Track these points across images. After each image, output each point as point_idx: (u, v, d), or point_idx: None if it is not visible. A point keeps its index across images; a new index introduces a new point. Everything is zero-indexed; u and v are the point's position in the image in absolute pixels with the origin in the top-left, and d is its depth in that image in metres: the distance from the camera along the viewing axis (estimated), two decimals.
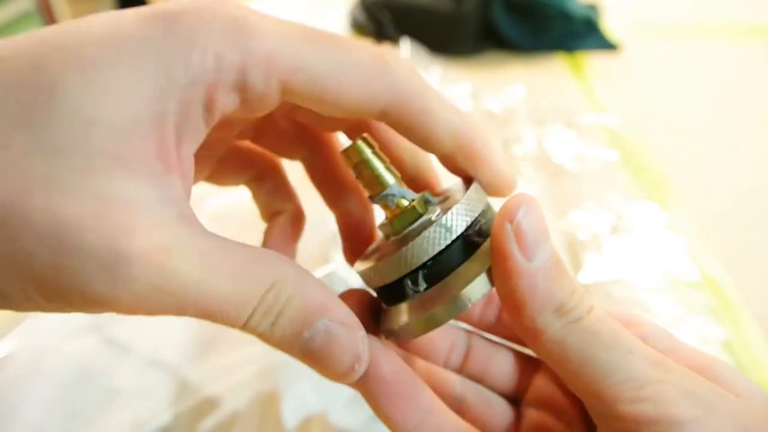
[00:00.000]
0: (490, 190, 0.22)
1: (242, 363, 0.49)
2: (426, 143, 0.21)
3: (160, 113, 0.16)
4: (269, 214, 0.28)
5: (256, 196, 0.29)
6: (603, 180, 0.70)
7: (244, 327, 0.18)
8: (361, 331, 0.20)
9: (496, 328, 0.27)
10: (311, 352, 0.19)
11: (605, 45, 1.05)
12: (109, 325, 0.50)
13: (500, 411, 0.26)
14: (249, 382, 0.48)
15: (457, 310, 0.20)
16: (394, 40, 1.03)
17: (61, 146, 0.15)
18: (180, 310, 0.17)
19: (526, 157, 0.73)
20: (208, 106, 0.17)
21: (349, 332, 0.19)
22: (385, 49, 0.20)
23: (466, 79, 0.90)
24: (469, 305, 0.20)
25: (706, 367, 0.21)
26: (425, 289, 0.20)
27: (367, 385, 0.21)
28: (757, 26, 1.16)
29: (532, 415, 0.25)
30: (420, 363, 0.26)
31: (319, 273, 0.50)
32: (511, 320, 0.20)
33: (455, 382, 0.26)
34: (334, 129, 0.26)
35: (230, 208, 0.66)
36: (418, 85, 0.20)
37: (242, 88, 0.18)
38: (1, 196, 0.15)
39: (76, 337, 0.49)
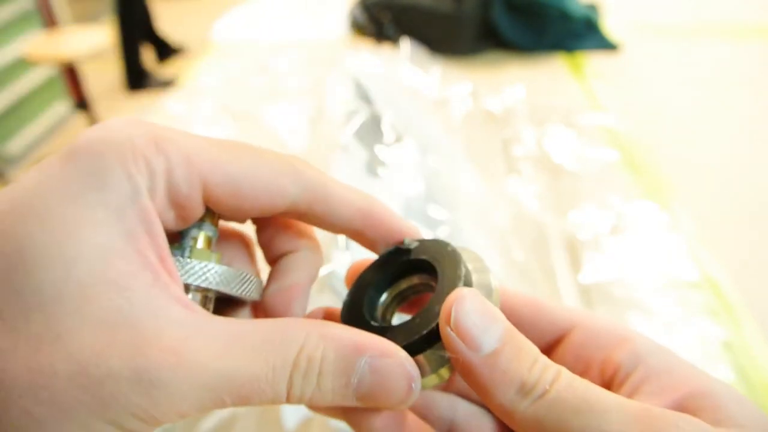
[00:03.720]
0: (397, 239, 0.24)
1: None
2: (336, 223, 0.23)
3: (128, 231, 0.18)
4: (272, 258, 0.26)
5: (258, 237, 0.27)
6: (603, 180, 0.70)
7: (289, 399, 0.19)
8: (401, 352, 0.20)
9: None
10: (367, 394, 0.19)
11: (605, 45, 1.05)
12: None
13: None
14: None
15: (423, 388, 0.21)
16: (394, 40, 1.04)
17: (49, 297, 0.16)
18: (219, 400, 0.18)
19: (526, 157, 0.73)
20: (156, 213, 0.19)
21: (391, 358, 0.19)
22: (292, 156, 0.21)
23: (466, 79, 0.90)
24: (432, 387, 0.21)
25: (706, 392, 0.19)
26: None
27: None
28: (757, 26, 1.16)
29: None
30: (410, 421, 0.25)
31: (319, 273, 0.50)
32: (487, 405, 0.20)
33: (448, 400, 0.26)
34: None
35: None
36: (321, 177, 0.22)
37: (171, 192, 0.19)
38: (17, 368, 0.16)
39: None
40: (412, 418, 0.24)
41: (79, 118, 2.58)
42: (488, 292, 0.22)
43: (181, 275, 0.20)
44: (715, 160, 0.76)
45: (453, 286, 0.21)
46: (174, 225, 0.20)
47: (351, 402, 0.19)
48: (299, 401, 0.19)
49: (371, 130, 0.65)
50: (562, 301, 0.54)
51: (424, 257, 0.23)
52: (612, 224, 0.61)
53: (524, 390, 0.18)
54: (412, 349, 0.21)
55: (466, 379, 0.19)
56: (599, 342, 0.22)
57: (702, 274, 0.56)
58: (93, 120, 2.38)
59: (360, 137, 0.63)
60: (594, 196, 0.65)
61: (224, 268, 0.21)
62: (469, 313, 0.19)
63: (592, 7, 1.09)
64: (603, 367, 0.22)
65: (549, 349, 0.24)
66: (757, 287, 0.56)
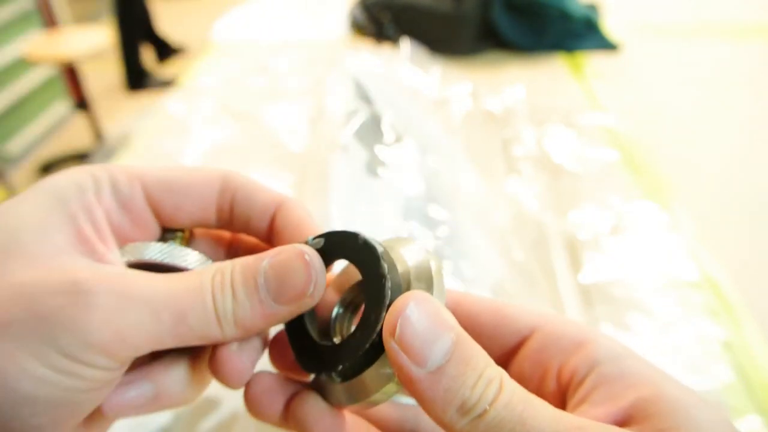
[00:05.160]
0: (310, 233, 0.25)
1: None
2: (255, 218, 0.25)
3: (70, 215, 0.21)
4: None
5: None
6: (603, 180, 0.70)
7: (218, 319, 0.21)
8: (298, 245, 0.22)
9: None
10: (276, 290, 0.21)
11: (605, 45, 1.05)
12: None
13: None
14: None
15: (374, 404, 0.21)
16: (394, 40, 1.04)
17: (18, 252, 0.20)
18: (156, 318, 0.19)
19: (526, 157, 0.73)
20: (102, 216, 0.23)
21: (286, 252, 0.21)
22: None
23: (466, 79, 0.90)
24: (384, 401, 0.21)
25: (656, 398, 0.19)
26: (341, 381, 0.22)
27: None
28: (757, 26, 1.16)
29: None
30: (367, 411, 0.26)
31: None
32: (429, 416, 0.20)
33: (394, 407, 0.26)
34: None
35: None
36: (245, 177, 0.25)
37: (116, 193, 0.23)
38: None
39: None
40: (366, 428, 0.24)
41: (79, 118, 2.58)
42: (428, 284, 0.21)
43: (121, 255, 0.23)
44: (716, 160, 0.76)
45: (379, 289, 0.20)
46: (130, 230, 0.24)
47: (269, 306, 0.21)
48: (227, 322, 0.21)
49: (371, 130, 0.65)
50: (562, 301, 0.54)
51: (340, 258, 0.23)
52: (612, 224, 0.61)
53: (464, 409, 0.18)
54: (354, 370, 0.21)
55: (408, 390, 0.19)
56: (558, 347, 0.22)
57: (702, 274, 0.56)
58: (93, 120, 2.37)
59: (360, 137, 0.63)
60: (594, 196, 0.65)
61: (164, 244, 0.23)
62: (416, 325, 0.18)
63: (592, 7, 1.09)
64: (559, 373, 0.22)
65: (510, 354, 0.24)
66: (757, 287, 0.56)
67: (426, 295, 0.19)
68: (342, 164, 0.59)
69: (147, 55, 2.95)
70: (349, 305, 0.25)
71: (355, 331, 0.21)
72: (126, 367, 0.21)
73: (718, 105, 0.89)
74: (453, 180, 0.64)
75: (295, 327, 0.23)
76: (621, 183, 0.70)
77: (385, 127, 0.66)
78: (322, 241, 0.23)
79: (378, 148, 0.63)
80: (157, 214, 0.24)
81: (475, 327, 0.24)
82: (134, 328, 0.19)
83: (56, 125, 2.62)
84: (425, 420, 0.25)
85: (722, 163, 0.75)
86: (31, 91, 2.45)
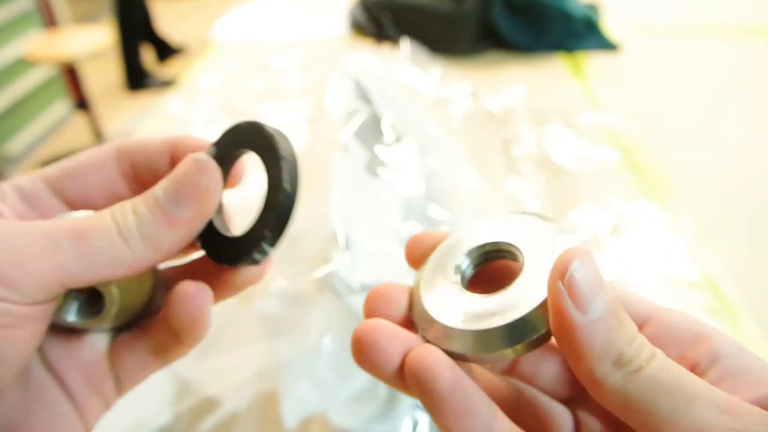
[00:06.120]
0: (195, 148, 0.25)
1: (242, 363, 0.49)
2: (157, 166, 0.25)
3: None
4: None
5: None
6: (603, 180, 0.70)
7: (122, 233, 0.21)
8: (198, 154, 0.22)
9: None
10: (173, 193, 0.22)
11: (605, 45, 1.05)
12: None
13: (557, 416, 0.25)
14: (249, 382, 0.48)
15: (501, 359, 0.21)
16: (394, 40, 1.04)
17: None
18: (53, 241, 0.20)
19: (526, 157, 0.73)
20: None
21: (186, 160, 0.22)
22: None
23: (466, 79, 0.90)
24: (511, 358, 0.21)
25: None
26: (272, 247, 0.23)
27: (427, 398, 0.20)
28: (756, 26, 1.16)
29: (589, 422, 0.24)
30: (471, 367, 0.25)
31: (319, 273, 0.50)
32: (573, 369, 0.20)
33: (508, 386, 0.25)
34: None
35: (230, 209, 0.66)
36: (134, 139, 0.25)
37: (19, 192, 0.24)
38: None
39: None
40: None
41: (79, 118, 2.58)
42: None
43: None
44: (715, 159, 0.76)
45: (276, 162, 0.22)
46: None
47: (171, 210, 0.21)
48: (133, 237, 0.21)
49: (371, 130, 0.65)
50: None
51: (241, 148, 0.24)
52: (612, 224, 0.61)
53: (621, 362, 0.18)
54: (281, 229, 0.23)
55: (560, 341, 0.19)
56: (676, 337, 0.22)
57: (702, 274, 0.56)
58: (93, 120, 2.37)
59: (360, 137, 0.63)
60: (594, 196, 0.65)
61: None
62: (584, 273, 0.19)
63: (592, 7, 1.09)
64: (678, 363, 0.22)
65: None
66: (757, 287, 0.56)
67: (591, 252, 0.20)
68: (342, 164, 0.59)
69: (147, 55, 2.95)
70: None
71: (263, 209, 0.23)
72: (44, 304, 0.20)
73: (718, 105, 0.89)
74: (453, 180, 0.64)
75: (210, 241, 0.24)
76: (621, 183, 0.70)
77: (385, 127, 0.66)
78: (214, 149, 0.24)
79: (378, 148, 0.63)
80: (68, 202, 0.24)
81: None
82: (32, 255, 0.19)
83: (56, 125, 2.62)
84: (525, 395, 0.25)
85: (722, 163, 0.75)
86: (31, 91, 2.45)
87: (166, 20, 3.33)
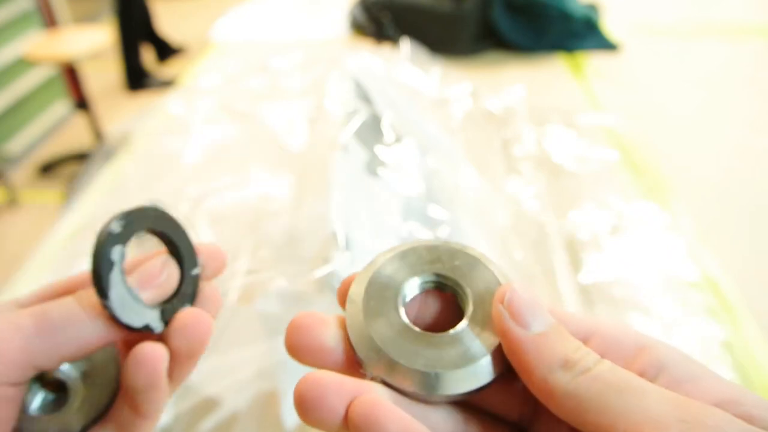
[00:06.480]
0: None
1: (242, 363, 0.49)
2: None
3: None
4: None
5: None
6: (603, 180, 0.70)
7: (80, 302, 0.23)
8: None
9: None
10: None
11: (605, 45, 1.05)
12: None
13: None
14: (249, 382, 0.48)
15: (450, 399, 0.21)
16: (394, 40, 1.04)
17: None
18: (15, 324, 0.21)
19: (526, 157, 0.73)
20: None
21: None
22: None
23: (466, 79, 0.90)
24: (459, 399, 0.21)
25: (734, 400, 0.19)
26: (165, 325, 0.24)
27: None
28: (756, 26, 1.16)
29: None
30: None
31: (319, 273, 0.50)
32: (528, 386, 0.20)
33: (453, 421, 0.23)
34: None
35: (230, 209, 0.66)
36: None
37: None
38: None
39: None
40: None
41: (79, 118, 2.58)
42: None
43: None
44: (715, 159, 0.76)
45: (188, 246, 0.25)
46: None
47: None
48: (93, 310, 0.22)
49: (371, 130, 0.65)
50: (562, 301, 0.54)
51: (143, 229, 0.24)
52: (612, 224, 0.61)
53: (568, 365, 0.19)
54: (173, 308, 0.25)
55: (512, 359, 0.20)
56: (619, 351, 0.22)
57: (702, 274, 0.56)
58: (93, 120, 2.37)
59: (360, 137, 0.63)
60: (594, 196, 0.66)
61: None
62: (522, 296, 0.21)
63: (592, 7, 1.09)
64: None
65: None
66: (757, 287, 0.56)
67: (525, 286, 0.21)
68: (342, 164, 0.59)
69: (147, 55, 2.95)
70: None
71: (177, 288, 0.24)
72: (19, 385, 0.21)
73: (718, 105, 0.89)
74: (453, 180, 0.64)
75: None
76: (621, 183, 0.70)
77: (385, 127, 0.66)
78: (120, 225, 0.23)
79: (378, 148, 0.63)
80: None
81: None
82: (1, 336, 0.21)
83: (56, 125, 2.62)
84: (473, 424, 0.24)
85: (722, 163, 0.75)
86: (31, 91, 2.45)
87: (166, 20, 3.33)
